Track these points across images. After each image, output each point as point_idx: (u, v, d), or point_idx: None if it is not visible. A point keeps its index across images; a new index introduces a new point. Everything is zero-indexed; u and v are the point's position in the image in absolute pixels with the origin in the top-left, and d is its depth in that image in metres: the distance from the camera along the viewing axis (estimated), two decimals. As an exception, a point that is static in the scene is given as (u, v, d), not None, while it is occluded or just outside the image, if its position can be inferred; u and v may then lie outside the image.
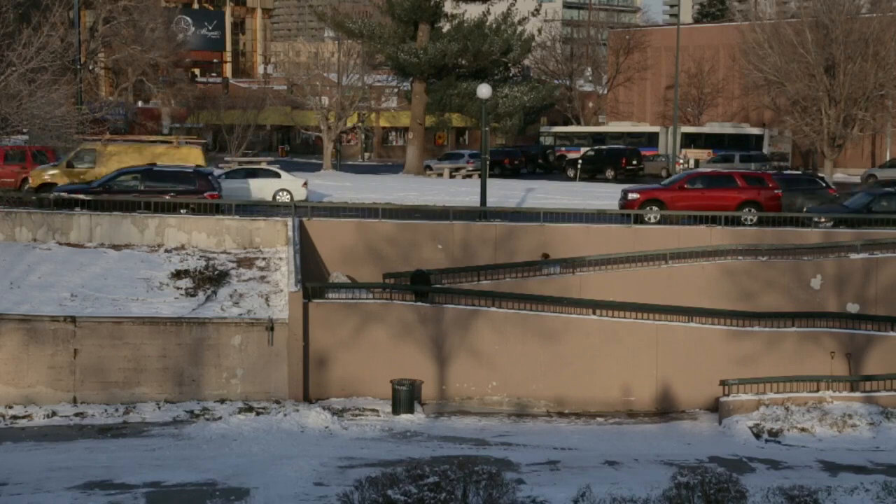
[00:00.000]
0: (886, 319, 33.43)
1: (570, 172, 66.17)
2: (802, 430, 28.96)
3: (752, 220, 39.24)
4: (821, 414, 29.42)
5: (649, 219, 39.02)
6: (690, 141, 72.29)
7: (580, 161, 66.39)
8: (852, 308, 35.67)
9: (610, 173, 65.07)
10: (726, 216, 38.31)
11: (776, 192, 41.12)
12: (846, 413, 29.44)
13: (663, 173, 64.28)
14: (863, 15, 55.82)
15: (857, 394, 30.31)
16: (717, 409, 30.88)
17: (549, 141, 78.43)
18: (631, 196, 41.09)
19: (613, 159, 65.44)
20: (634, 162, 65.53)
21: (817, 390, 30.36)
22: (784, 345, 32.53)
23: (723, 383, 30.80)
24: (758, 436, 28.74)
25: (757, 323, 33.09)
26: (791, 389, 30.31)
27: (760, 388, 30.46)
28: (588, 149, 69.56)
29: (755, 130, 73.34)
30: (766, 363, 31.93)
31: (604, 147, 69.37)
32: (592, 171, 64.89)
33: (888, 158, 64.67)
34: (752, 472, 24.15)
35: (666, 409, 31.91)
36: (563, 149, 73.05)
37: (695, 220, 38.75)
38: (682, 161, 65.47)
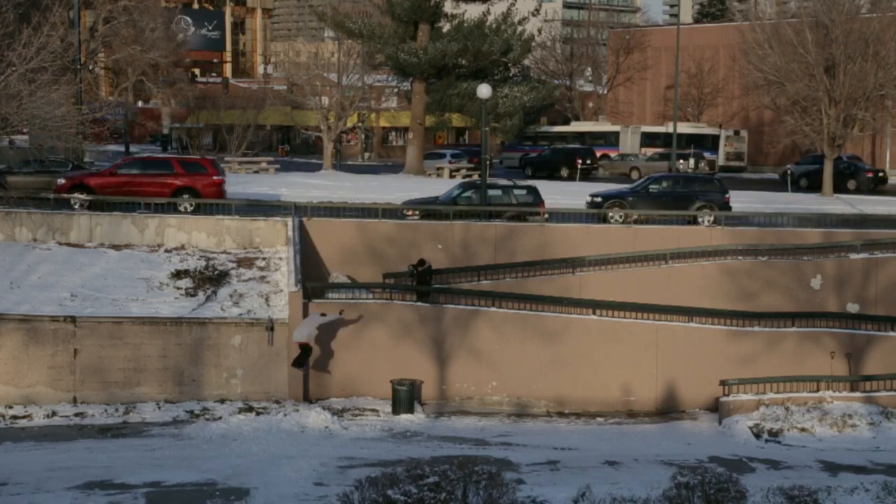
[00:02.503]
0: (886, 319, 33.43)
1: (528, 171, 67.40)
2: (802, 430, 28.96)
3: (188, 206, 37.39)
4: (821, 414, 29.42)
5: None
6: (651, 140, 74.15)
7: (537, 159, 68.70)
8: (852, 308, 35.67)
9: (565, 172, 66.77)
10: None
11: (215, 178, 39.39)
12: (846, 413, 29.44)
13: (634, 174, 65.41)
14: (863, 15, 55.75)
15: (857, 394, 30.31)
16: (717, 409, 30.89)
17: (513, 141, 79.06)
18: (59, 181, 38.68)
19: (569, 159, 66.99)
20: (589, 161, 67.22)
21: (817, 390, 30.36)
22: (784, 345, 32.54)
23: (723, 383, 30.80)
24: (758, 436, 28.74)
25: (757, 323, 33.10)
26: (791, 389, 30.32)
27: (760, 388, 30.46)
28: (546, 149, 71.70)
29: (712, 130, 75.09)
30: (766, 363, 31.93)
31: (559, 147, 70.94)
32: (549, 169, 66.42)
33: (805, 155, 64.94)
34: (752, 472, 24.14)
35: (666, 409, 31.91)
36: (527, 148, 73.91)
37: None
38: (682, 162, 65.45)
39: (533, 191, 40.24)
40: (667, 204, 41.32)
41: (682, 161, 63.48)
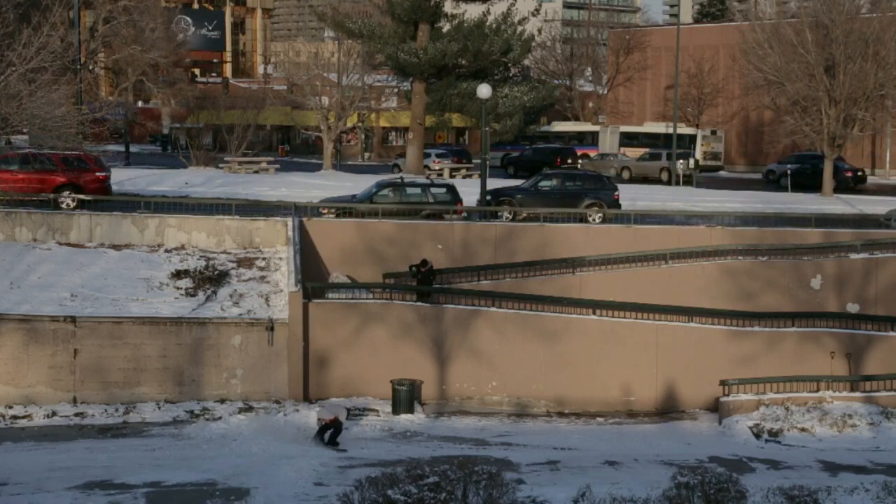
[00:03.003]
0: (886, 319, 33.44)
1: (510, 170, 68.07)
2: (802, 430, 28.96)
3: (69, 203, 37.08)
4: (821, 414, 29.42)
5: None
6: (629, 140, 75.19)
7: (519, 159, 69.54)
8: (852, 308, 35.66)
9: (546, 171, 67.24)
10: None
11: (98, 174, 39.31)
12: (846, 413, 29.44)
13: (612, 172, 66.02)
14: (863, 15, 55.72)
15: (857, 394, 30.32)
16: (717, 409, 30.89)
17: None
18: None
19: (550, 158, 67.84)
20: (569, 160, 68.04)
21: (817, 390, 30.37)
22: (784, 345, 32.54)
23: (723, 383, 30.81)
24: (758, 436, 28.74)
25: (757, 323, 33.10)
26: (791, 389, 30.33)
27: (760, 388, 30.47)
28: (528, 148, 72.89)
29: (689, 130, 75.90)
30: (766, 363, 31.93)
31: (540, 146, 71.88)
32: (530, 169, 65.95)
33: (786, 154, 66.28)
34: (752, 472, 24.16)
35: (666, 409, 31.91)
36: (508, 148, 74.80)
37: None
38: (682, 162, 65.46)
39: (451, 189, 39.75)
40: (556, 201, 40.77)
41: (681, 161, 63.47)
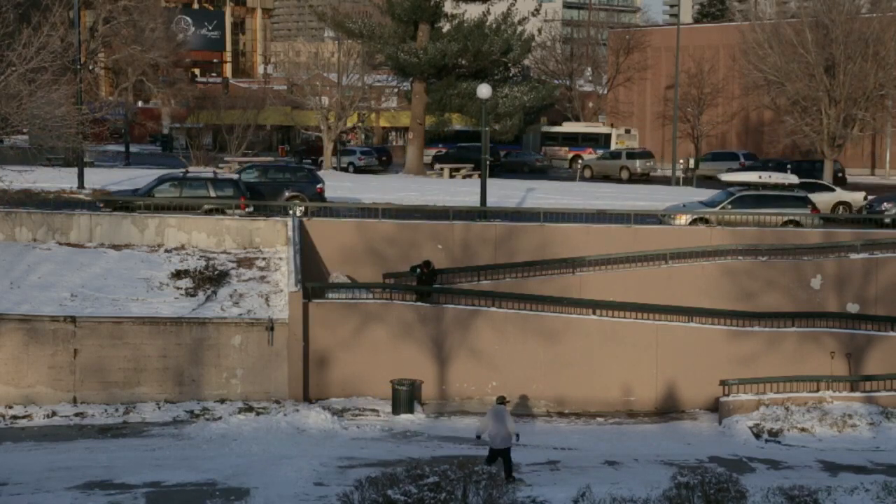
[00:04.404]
0: (886, 319, 33.44)
1: (437, 167, 70.07)
2: (802, 430, 28.97)
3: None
4: (821, 414, 29.43)
5: None
6: (550, 139, 79.73)
7: (445, 156, 73.09)
8: (852, 308, 35.66)
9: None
10: None
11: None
12: (846, 413, 29.45)
13: (587, 173, 69.87)
14: (863, 15, 55.74)
15: (857, 394, 30.32)
16: (717, 409, 30.89)
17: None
18: None
19: (474, 155, 69.47)
20: (492, 158, 69.69)
21: (817, 390, 30.37)
22: (784, 345, 32.54)
23: (723, 383, 30.81)
24: (758, 436, 28.75)
25: (757, 323, 33.10)
26: (791, 389, 30.34)
27: (760, 388, 30.47)
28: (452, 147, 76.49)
29: (605, 129, 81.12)
30: (766, 363, 31.94)
31: (465, 145, 74.92)
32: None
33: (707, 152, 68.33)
34: (752, 472, 24.17)
35: (666, 409, 31.91)
36: (440, 146, 77.97)
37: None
38: (682, 162, 65.56)
39: (235, 184, 38.66)
40: (258, 194, 39.69)
41: (639, 161, 67.56)
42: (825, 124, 53.66)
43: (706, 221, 38.43)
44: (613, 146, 77.36)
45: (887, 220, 39.24)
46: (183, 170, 40.66)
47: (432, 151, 76.80)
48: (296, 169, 45.03)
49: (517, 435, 22.85)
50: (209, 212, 36.91)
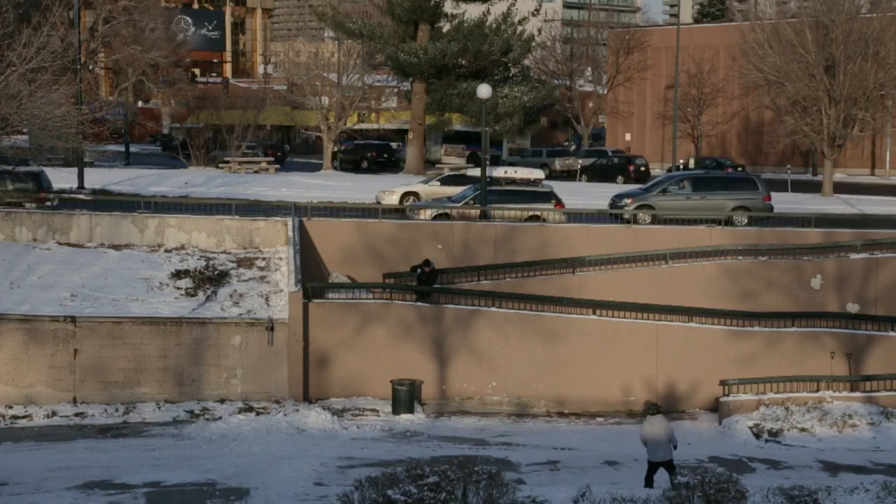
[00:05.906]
0: (886, 319, 33.44)
1: (335, 163, 71.88)
2: (802, 430, 28.97)
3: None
4: (821, 414, 29.42)
5: None
6: (447, 139, 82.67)
7: (343, 152, 76.28)
8: (852, 308, 35.65)
9: (365, 164, 76.77)
10: None
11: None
12: (846, 413, 29.45)
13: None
14: (863, 15, 55.76)
15: (857, 394, 30.32)
16: (717, 409, 30.90)
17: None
18: None
19: (369, 152, 78.24)
20: (386, 155, 77.74)
21: (817, 390, 30.37)
22: (784, 345, 32.54)
23: (723, 383, 30.81)
24: (758, 436, 28.75)
25: (757, 323, 33.10)
26: (791, 389, 30.33)
27: (760, 388, 30.47)
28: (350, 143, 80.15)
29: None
30: (766, 363, 31.94)
31: (361, 142, 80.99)
32: (353, 162, 75.68)
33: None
34: (752, 472, 24.17)
35: (666, 409, 31.78)
36: (344, 143, 79.99)
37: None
38: (682, 162, 65.61)
39: (35, 177, 38.25)
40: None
41: (559, 159, 71.40)
42: (825, 124, 53.67)
43: (448, 216, 38.64)
44: (505, 147, 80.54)
45: (626, 217, 39.19)
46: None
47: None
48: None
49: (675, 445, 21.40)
50: (9, 205, 36.32)
